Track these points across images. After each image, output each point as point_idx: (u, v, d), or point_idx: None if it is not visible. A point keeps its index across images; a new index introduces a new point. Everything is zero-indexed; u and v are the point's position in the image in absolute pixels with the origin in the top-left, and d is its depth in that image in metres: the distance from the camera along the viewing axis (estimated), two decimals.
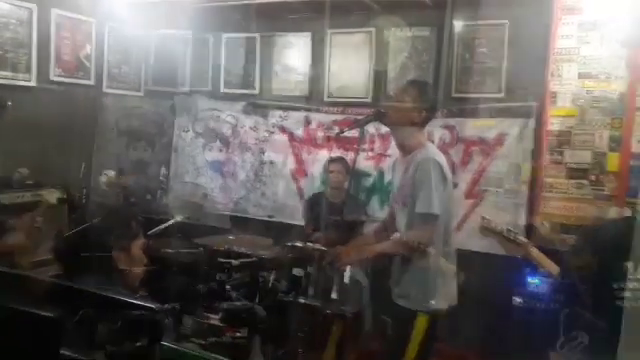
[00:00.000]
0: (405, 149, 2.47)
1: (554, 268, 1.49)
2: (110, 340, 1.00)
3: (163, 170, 4.73)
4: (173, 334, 3.07)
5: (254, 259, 3.54)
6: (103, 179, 4.41)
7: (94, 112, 4.52)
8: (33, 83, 3.90)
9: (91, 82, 4.41)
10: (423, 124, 2.46)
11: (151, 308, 0.89)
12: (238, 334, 3.02)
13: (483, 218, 1.87)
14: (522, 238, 1.76)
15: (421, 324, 2.38)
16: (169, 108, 4.77)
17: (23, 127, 3.70)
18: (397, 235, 2.49)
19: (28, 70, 3.85)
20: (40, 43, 3.97)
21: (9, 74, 3.78)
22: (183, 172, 5.13)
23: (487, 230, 1.84)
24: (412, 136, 2.42)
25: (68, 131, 4.21)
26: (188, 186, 4.85)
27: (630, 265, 1.11)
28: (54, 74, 4.10)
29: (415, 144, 2.42)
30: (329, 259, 2.53)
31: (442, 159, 2.40)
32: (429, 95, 2.51)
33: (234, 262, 3.27)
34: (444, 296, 2.43)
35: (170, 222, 3.81)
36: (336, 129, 4.42)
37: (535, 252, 1.67)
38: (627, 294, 1.08)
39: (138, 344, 0.98)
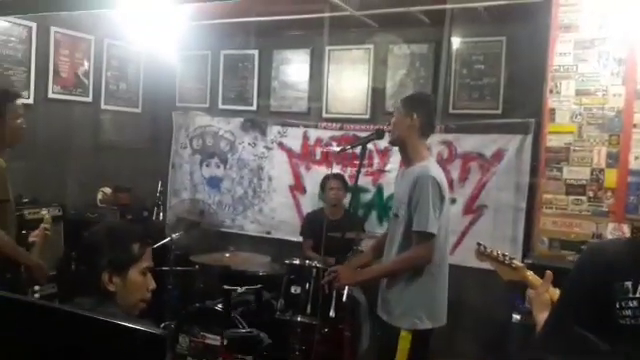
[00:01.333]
0: (408, 161, 2.49)
1: (551, 292, 1.47)
2: None
3: (160, 186, 4.71)
4: (170, 354, 3.03)
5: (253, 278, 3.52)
6: (99, 196, 4.40)
7: (94, 128, 4.51)
8: (31, 101, 3.89)
9: (89, 99, 4.41)
10: (423, 136, 2.48)
11: (155, 334, 0.87)
12: (238, 356, 2.98)
13: (478, 244, 1.88)
14: (517, 262, 1.75)
15: (405, 341, 2.37)
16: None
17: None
18: (393, 253, 2.47)
19: (27, 87, 3.85)
20: (38, 60, 3.98)
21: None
22: (181, 189, 5.12)
23: (482, 255, 1.85)
24: (414, 148, 2.45)
25: (66, 147, 4.21)
26: (186, 203, 4.83)
27: (629, 285, 1.09)
28: (52, 91, 4.11)
29: (417, 157, 2.45)
30: (328, 279, 2.51)
31: (441, 176, 2.41)
32: (425, 105, 2.55)
33: (239, 289, 3.24)
34: (431, 315, 2.42)
35: (166, 239, 3.78)
36: (334, 145, 4.43)
37: (531, 276, 1.66)
38: (627, 313, 1.06)
39: None
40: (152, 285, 1.53)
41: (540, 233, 3.37)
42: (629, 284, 1.06)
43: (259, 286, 3.50)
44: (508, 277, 1.80)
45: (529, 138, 3.75)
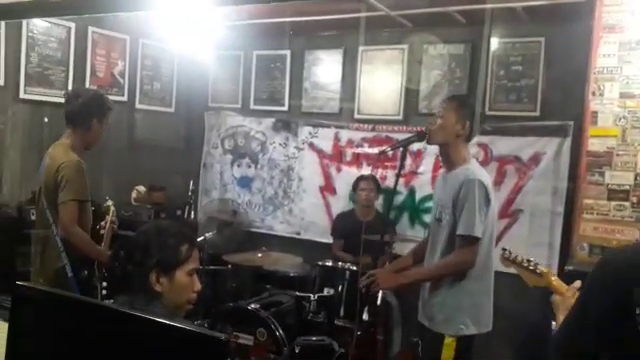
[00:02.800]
0: (449, 165, 2.44)
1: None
2: None
3: (192, 185, 4.75)
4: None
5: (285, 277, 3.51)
6: (133, 194, 4.45)
7: (128, 128, 4.57)
8: None
9: (124, 98, 4.47)
10: (467, 139, 2.44)
11: (216, 338, 0.86)
12: (271, 356, 2.98)
13: (503, 250, 1.85)
14: (542, 268, 1.71)
15: (449, 348, 2.32)
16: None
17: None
18: (435, 259, 2.43)
19: (65, 87, 3.91)
20: (76, 60, 4.05)
21: (47, 91, 3.86)
22: (211, 188, 5.15)
23: (507, 261, 1.82)
24: (457, 151, 2.40)
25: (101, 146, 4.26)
26: (217, 202, 4.85)
27: None
28: None
29: (459, 160, 2.40)
30: (366, 282, 2.47)
31: (487, 179, 2.37)
32: (471, 108, 2.51)
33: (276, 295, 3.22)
34: (476, 321, 2.36)
35: (199, 238, 3.80)
36: (366, 146, 4.40)
37: (556, 282, 1.62)
38: None
39: None
40: (198, 286, 1.53)
41: (580, 239, 3.28)
42: None
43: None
44: (533, 283, 1.77)
45: (568, 141, 3.66)
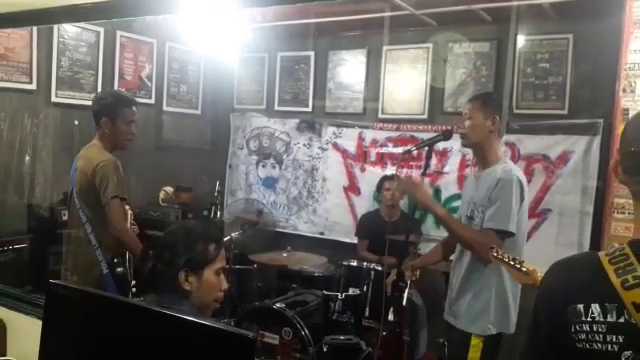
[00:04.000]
0: (484, 163, 2.42)
1: None
2: None
3: (217, 186, 4.80)
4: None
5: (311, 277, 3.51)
6: (161, 195, 4.53)
7: (156, 129, 4.66)
8: None
9: (152, 101, 4.56)
10: (500, 135, 2.44)
11: (244, 336, 0.87)
12: (297, 355, 2.99)
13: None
14: (528, 266, 1.71)
15: (476, 349, 2.30)
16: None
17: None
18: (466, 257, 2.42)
19: (94, 90, 4.01)
20: (105, 64, 4.14)
21: (77, 94, 3.96)
22: (237, 189, 5.20)
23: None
24: (491, 149, 2.38)
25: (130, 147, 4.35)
26: (242, 202, 4.90)
27: (581, 307, 1.06)
28: None
29: (494, 157, 2.38)
30: (391, 279, 2.48)
31: (523, 177, 2.35)
32: (497, 102, 2.52)
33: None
34: (503, 320, 2.34)
35: (225, 238, 3.85)
36: (390, 146, 4.38)
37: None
38: (582, 337, 1.03)
39: None
40: (225, 285, 1.55)
41: (611, 239, 3.20)
42: (581, 307, 1.02)
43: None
44: (522, 281, 1.79)
45: (597, 139, 3.58)
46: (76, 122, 3.95)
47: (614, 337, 0.99)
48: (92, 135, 2.76)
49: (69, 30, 3.87)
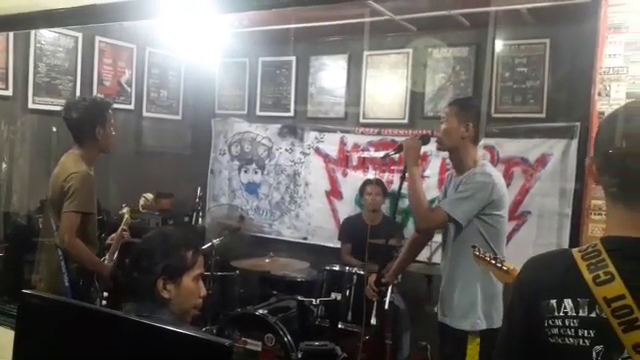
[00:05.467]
0: (460, 168, 2.44)
1: None
2: None
3: (199, 192, 4.77)
4: None
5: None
6: (141, 201, 4.48)
7: (136, 135, 4.61)
8: None
9: (131, 107, 4.51)
10: (475, 141, 2.44)
11: (221, 345, 0.86)
12: None
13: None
14: (508, 265, 1.74)
15: (474, 347, 2.30)
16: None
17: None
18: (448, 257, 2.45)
19: (72, 96, 3.95)
20: (84, 70, 4.09)
21: (55, 100, 3.90)
22: (219, 194, 5.17)
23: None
24: (467, 154, 2.41)
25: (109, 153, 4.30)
26: (223, 208, 4.87)
27: (554, 303, 1.09)
28: None
29: (470, 162, 2.40)
30: (372, 280, 2.51)
31: (500, 182, 2.37)
32: (474, 110, 2.51)
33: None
34: (489, 316, 2.34)
35: (207, 245, 3.82)
36: (372, 150, 4.40)
37: None
38: (554, 331, 1.05)
39: None
40: (203, 292, 1.54)
41: (589, 240, 3.23)
42: (554, 302, 1.04)
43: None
44: (503, 279, 1.81)
45: (574, 142, 3.64)
46: (54, 129, 3.89)
47: (586, 332, 1.00)
48: (70, 142, 2.71)
49: (46, 35, 3.82)
